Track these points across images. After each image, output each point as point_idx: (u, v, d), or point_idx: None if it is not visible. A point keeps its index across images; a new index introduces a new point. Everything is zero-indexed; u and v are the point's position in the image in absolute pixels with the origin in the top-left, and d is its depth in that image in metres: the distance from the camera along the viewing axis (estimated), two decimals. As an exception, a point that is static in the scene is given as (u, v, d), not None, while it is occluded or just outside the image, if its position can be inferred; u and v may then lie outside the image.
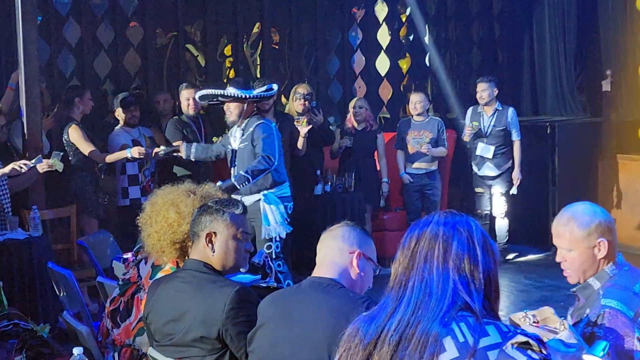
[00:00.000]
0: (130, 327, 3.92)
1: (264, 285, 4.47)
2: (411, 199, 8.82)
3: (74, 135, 7.61)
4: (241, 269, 3.70)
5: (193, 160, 7.32)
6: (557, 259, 3.22)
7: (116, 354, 3.92)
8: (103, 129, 8.50)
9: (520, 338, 2.13)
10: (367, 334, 2.24)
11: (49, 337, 3.84)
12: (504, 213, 9.03)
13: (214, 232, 3.45)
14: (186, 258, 3.64)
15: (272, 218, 6.82)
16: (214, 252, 3.45)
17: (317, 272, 3.12)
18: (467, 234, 2.25)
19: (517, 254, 9.34)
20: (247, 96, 6.81)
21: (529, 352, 2.13)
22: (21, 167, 6.55)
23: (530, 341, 2.14)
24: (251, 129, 6.83)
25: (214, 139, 7.86)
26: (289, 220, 6.96)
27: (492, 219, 9.12)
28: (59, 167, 6.87)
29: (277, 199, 6.88)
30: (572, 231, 3.13)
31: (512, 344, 2.12)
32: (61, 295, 5.33)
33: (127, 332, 3.92)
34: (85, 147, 7.56)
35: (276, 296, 3.20)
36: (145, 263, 4.03)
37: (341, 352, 2.30)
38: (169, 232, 3.76)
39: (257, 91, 6.93)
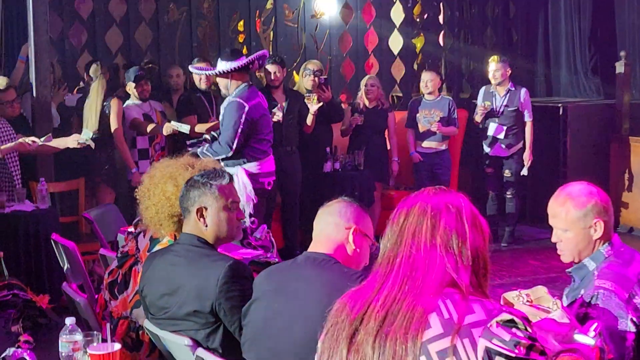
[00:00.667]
0: (127, 300, 3.93)
1: (265, 260, 4.47)
2: (421, 178, 8.79)
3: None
4: (235, 239, 3.70)
5: None
6: (553, 239, 3.21)
7: (113, 326, 3.93)
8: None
9: (505, 316, 2.13)
10: (354, 309, 2.24)
11: (48, 308, 3.85)
12: (514, 194, 8.99)
13: (204, 207, 3.45)
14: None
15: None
16: (206, 226, 3.46)
17: (313, 247, 3.11)
18: (456, 210, 2.24)
19: (526, 234, 9.31)
20: (231, 69, 6.61)
21: (514, 329, 2.12)
22: (29, 144, 6.55)
23: (515, 319, 2.13)
24: (224, 105, 6.73)
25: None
26: (253, 197, 6.70)
27: (502, 199, 9.09)
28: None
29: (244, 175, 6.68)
30: (568, 211, 3.12)
31: (497, 322, 2.12)
32: (65, 267, 5.36)
33: (124, 304, 3.93)
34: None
35: (272, 271, 3.20)
36: (144, 236, 4.04)
37: (328, 326, 2.31)
38: (167, 206, 3.77)
39: (239, 61, 6.64)
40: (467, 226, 2.23)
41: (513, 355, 2.09)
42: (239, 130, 6.59)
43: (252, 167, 6.78)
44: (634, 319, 2.94)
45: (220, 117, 6.78)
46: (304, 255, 3.13)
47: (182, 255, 3.43)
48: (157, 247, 3.84)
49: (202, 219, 3.45)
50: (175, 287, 3.36)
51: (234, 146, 6.60)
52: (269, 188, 6.91)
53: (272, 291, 3.10)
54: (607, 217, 3.12)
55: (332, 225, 3.09)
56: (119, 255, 4.13)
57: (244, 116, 6.58)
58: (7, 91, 7.15)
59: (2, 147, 6.56)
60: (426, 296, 2.15)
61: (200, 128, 7.49)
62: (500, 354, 2.09)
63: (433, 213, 2.23)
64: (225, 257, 3.41)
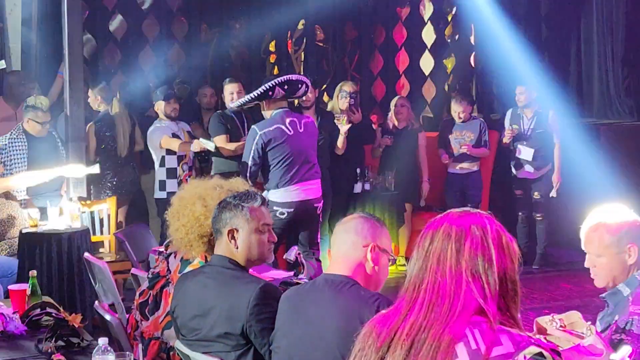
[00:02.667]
0: (158, 320, 3.94)
1: (296, 282, 4.47)
2: (452, 200, 8.75)
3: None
4: (266, 261, 3.69)
5: None
6: (586, 265, 3.18)
7: (144, 347, 3.94)
8: (145, 123, 8.58)
9: (533, 349, 2.08)
10: (381, 336, 2.22)
11: (81, 327, 3.86)
12: (544, 215, 8.93)
13: (235, 229, 3.45)
14: (214, 252, 3.65)
15: None
16: (237, 247, 3.45)
17: (331, 268, 3.10)
18: (481, 232, 2.20)
19: (557, 257, 9.23)
20: (256, 95, 6.69)
21: None
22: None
23: (544, 352, 2.09)
24: None
25: None
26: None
27: (532, 221, 9.02)
28: (210, 146, 7.26)
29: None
30: (601, 237, 3.09)
31: (525, 355, 2.08)
32: (97, 286, 5.39)
33: (155, 325, 3.94)
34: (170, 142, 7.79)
35: (292, 294, 3.19)
36: (175, 257, 4.05)
37: (356, 351, 2.29)
38: (196, 226, 3.78)
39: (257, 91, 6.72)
40: (494, 248, 2.19)
41: None
42: (250, 156, 6.68)
43: (271, 194, 6.75)
44: (669, 346, 2.91)
45: None
46: (322, 277, 3.12)
47: (213, 277, 3.43)
48: (189, 269, 3.84)
49: (233, 241, 3.45)
50: (206, 309, 3.36)
51: (248, 173, 6.66)
52: (282, 217, 6.73)
53: (293, 316, 3.10)
54: None
55: (349, 244, 3.07)
56: (150, 276, 4.14)
57: (254, 144, 6.66)
58: (47, 112, 7.24)
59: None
60: (453, 324, 2.12)
61: (230, 146, 7.51)
62: (528, 389, 2.06)
63: (457, 237, 2.20)
64: (256, 279, 3.41)
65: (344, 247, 3.07)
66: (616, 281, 3.12)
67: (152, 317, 3.97)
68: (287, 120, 6.73)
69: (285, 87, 6.66)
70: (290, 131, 6.73)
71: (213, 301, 3.36)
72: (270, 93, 6.63)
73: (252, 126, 6.79)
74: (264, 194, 6.36)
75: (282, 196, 6.74)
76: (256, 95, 6.65)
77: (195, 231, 3.78)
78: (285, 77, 6.76)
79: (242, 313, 3.25)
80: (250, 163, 6.68)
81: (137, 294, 4.13)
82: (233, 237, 3.45)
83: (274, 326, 3.18)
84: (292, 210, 6.74)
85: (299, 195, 6.80)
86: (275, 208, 6.64)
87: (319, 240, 7.12)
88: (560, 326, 3.07)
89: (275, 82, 6.61)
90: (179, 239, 3.86)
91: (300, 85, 6.79)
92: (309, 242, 7.00)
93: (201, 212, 3.79)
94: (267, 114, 6.79)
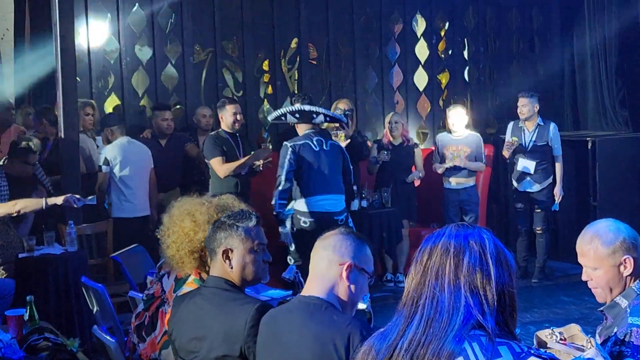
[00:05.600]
0: (155, 341, 3.92)
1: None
2: (449, 214, 8.75)
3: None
4: (262, 281, 3.67)
5: None
6: (583, 278, 3.16)
7: None
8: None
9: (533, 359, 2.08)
10: (380, 353, 2.20)
11: (79, 352, 3.85)
12: (544, 229, 8.92)
13: (230, 249, 3.41)
14: (206, 268, 3.63)
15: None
16: (232, 267, 3.42)
17: (307, 289, 3.02)
18: (479, 247, 2.18)
19: (557, 270, 9.21)
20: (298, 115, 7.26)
21: None
22: (75, 202, 6.52)
23: None
24: None
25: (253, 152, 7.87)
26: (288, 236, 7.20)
27: (532, 235, 9.01)
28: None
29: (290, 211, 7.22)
30: (596, 249, 3.07)
31: None
32: (94, 309, 5.36)
33: (152, 346, 3.93)
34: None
35: (268, 318, 3.13)
36: (168, 277, 4.05)
37: None
38: (186, 242, 3.79)
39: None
40: (492, 263, 2.16)
41: None
42: (284, 171, 7.10)
43: (296, 204, 7.21)
44: (669, 356, 2.89)
45: None
46: (297, 299, 3.06)
47: (210, 299, 3.40)
48: (184, 287, 3.84)
49: (227, 261, 3.42)
50: (204, 331, 3.34)
51: (280, 187, 7.08)
52: (304, 225, 7.15)
53: (269, 341, 3.05)
54: (637, 254, 3.07)
55: (325, 261, 2.97)
56: (145, 298, 4.13)
57: (287, 158, 7.12)
58: (35, 155, 7.26)
59: (50, 199, 6.55)
60: (452, 339, 2.10)
61: (227, 167, 7.55)
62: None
63: (456, 252, 2.18)
64: (252, 299, 3.38)
65: (320, 263, 2.98)
66: (614, 293, 3.11)
67: (149, 339, 3.96)
68: (315, 139, 7.24)
69: (328, 118, 7.40)
70: (316, 147, 7.22)
71: (210, 323, 3.34)
72: (314, 116, 7.24)
73: (284, 142, 7.30)
74: (291, 203, 7.04)
75: (304, 206, 7.19)
76: (298, 116, 7.24)
77: (186, 247, 3.79)
78: (331, 113, 7.56)
79: (240, 335, 3.22)
80: (283, 177, 7.09)
81: (134, 316, 4.12)
82: (227, 257, 3.41)
83: None
84: (312, 220, 7.14)
85: (320, 206, 7.19)
86: (299, 217, 7.17)
87: None
88: (560, 339, 3.06)
89: (323, 112, 7.30)
90: (170, 257, 3.87)
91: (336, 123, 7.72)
92: None
93: (190, 228, 3.80)
94: (299, 131, 7.34)
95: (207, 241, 3.50)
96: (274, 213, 7.08)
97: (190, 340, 3.39)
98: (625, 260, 3.05)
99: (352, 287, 2.95)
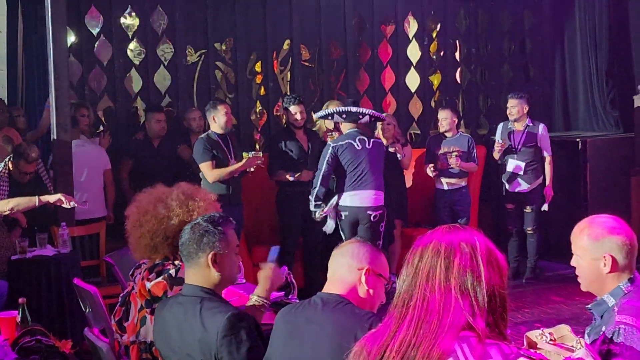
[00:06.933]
0: (133, 323, 3.94)
1: (286, 302, 4.47)
2: (440, 216, 8.77)
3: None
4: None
5: None
6: (571, 263, 3.23)
7: (127, 356, 3.95)
8: (132, 147, 8.61)
9: None
10: (371, 353, 2.22)
11: (71, 354, 3.86)
12: (535, 229, 8.95)
13: (219, 252, 3.41)
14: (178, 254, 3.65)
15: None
16: (219, 271, 3.42)
17: (327, 289, 3.12)
18: (470, 249, 2.21)
19: (548, 270, 9.24)
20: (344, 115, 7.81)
21: None
22: (67, 202, 6.52)
23: None
24: None
25: (244, 154, 7.87)
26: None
27: (523, 235, 9.04)
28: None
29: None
30: (582, 239, 3.15)
31: None
32: (87, 311, 5.37)
33: (132, 329, 3.95)
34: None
35: (286, 312, 3.20)
36: (140, 273, 4.10)
37: None
38: (161, 228, 3.88)
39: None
40: (482, 264, 2.19)
41: None
42: (323, 167, 7.67)
43: (340, 199, 7.78)
44: (657, 353, 2.93)
45: None
46: (317, 296, 3.13)
47: (186, 308, 3.39)
48: (156, 268, 3.90)
49: (215, 265, 3.41)
50: (181, 341, 3.36)
51: (315, 189, 7.68)
52: (343, 217, 7.77)
53: (286, 334, 3.11)
54: (622, 255, 3.10)
55: (344, 267, 3.10)
56: (120, 298, 4.19)
57: (326, 156, 7.69)
58: (33, 163, 7.24)
59: (43, 197, 6.56)
60: (442, 340, 2.12)
61: (216, 173, 7.63)
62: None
63: (447, 253, 2.21)
64: (225, 308, 3.34)
65: (340, 270, 3.10)
66: (592, 288, 3.17)
67: (127, 324, 3.99)
68: (357, 138, 7.72)
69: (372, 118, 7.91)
70: (358, 146, 7.71)
71: (186, 333, 3.35)
72: (359, 117, 7.75)
73: (328, 142, 7.91)
74: (333, 198, 7.75)
75: (343, 200, 7.76)
76: (345, 116, 7.76)
77: (161, 234, 3.85)
78: (373, 112, 8.00)
79: (213, 345, 3.24)
80: (319, 181, 7.67)
81: (112, 318, 4.15)
82: (215, 262, 3.41)
83: (246, 353, 3.19)
84: (347, 213, 7.73)
85: (354, 201, 7.73)
86: (339, 209, 7.76)
87: None
88: (550, 340, 3.08)
89: (369, 113, 7.82)
90: (143, 246, 3.92)
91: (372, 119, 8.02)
92: None
93: (164, 214, 3.88)
94: (343, 129, 7.89)
95: (186, 246, 3.45)
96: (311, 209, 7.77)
97: (170, 350, 3.42)
98: (605, 257, 3.09)
99: (371, 291, 3.08)
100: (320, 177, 7.65)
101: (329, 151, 7.67)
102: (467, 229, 2.27)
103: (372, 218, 7.73)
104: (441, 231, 2.27)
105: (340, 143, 7.69)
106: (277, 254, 4.55)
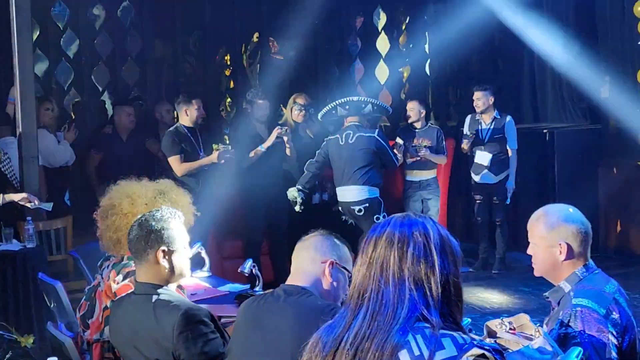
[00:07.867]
0: (98, 321, 3.94)
1: (251, 294, 4.47)
2: (410, 207, 8.78)
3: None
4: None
5: None
6: (528, 251, 3.28)
7: (89, 353, 3.94)
8: (100, 140, 8.56)
9: (476, 351, 2.08)
10: (326, 345, 2.21)
11: (33, 348, 3.83)
12: (503, 220, 8.99)
13: (170, 248, 3.39)
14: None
15: None
16: (171, 266, 3.40)
17: (289, 281, 3.10)
18: (424, 237, 2.19)
19: (517, 261, 9.28)
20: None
21: None
22: (31, 203, 6.48)
23: (487, 354, 2.09)
24: None
25: (214, 146, 7.81)
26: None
27: (492, 226, 9.08)
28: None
29: None
30: (538, 227, 3.22)
31: (468, 357, 2.09)
32: (51, 306, 5.33)
33: (96, 327, 3.94)
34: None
35: (249, 304, 3.19)
36: (107, 267, 4.08)
37: None
38: (124, 223, 3.87)
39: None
40: (436, 253, 2.17)
41: None
42: (316, 157, 7.88)
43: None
44: (614, 333, 2.96)
45: None
46: (280, 288, 3.11)
47: (140, 307, 3.37)
48: (123, 271, 3.90)
49: (166, 261, 3.38)
50: (137, 339, 3.34)
51: (306, 168, 7.90)
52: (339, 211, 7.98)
53: (248, 325, 3.09)
54: (576, 243, 3.15)
55: (308, 260, 3.08)
56: (86, 291, 4.17)
57: (320, 150, 7.89)
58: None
59: (7, 195, 6.50)
60: (396, 332, 2.11)
61: (183, 167, 7.54)
62: (472, 390, 2.07)
63: (400, 243, 2.19)
64: (178, 304, 3.32)
65: (304, 262, 3.09)
66: (548, 275, 3.22)
67: (90, 321, 3.98)
68: (345, 132, 7.76)
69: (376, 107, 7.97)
70: (342, 141, 7.75)
71: (141, 331, 3.33)
72: (362, 106, 7.80)
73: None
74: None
75: (336, 195, 7.94)
76: (348, 107, 7.77)
77: (124, 229, 3.81)
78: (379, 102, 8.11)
79: (169, 341, 3.23)
80: (305, 166, 7.81)
81: (77, 312, 4.14)
82: (165, 257, 3.38)
83: (203, 348, 3.20)
84: (340, 208, 7.92)
85: (340, 196, 7.88)
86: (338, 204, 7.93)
87: None
88: (510, 329, 3.11)
89: (372, 102, 7.89)
90: (107, 237, 3.94)
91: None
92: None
93: (129, 210, 3.90)
94: (347, 123, 7.87)
95: (135, 243, 3.42)
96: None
97: (128, 348, 3.40)
98: (560, 244, 3.13)
99: (335, 283, 3.07)
100: (308, 162, 7.81)
101: (323, 143, 7.87)
102: (420, 217, 2.25)
103: (357, 212, 7.75)
104: (395, 220, 2.25)
105: (331, 137, 7.85)
106: (250, 268, 4.61)
